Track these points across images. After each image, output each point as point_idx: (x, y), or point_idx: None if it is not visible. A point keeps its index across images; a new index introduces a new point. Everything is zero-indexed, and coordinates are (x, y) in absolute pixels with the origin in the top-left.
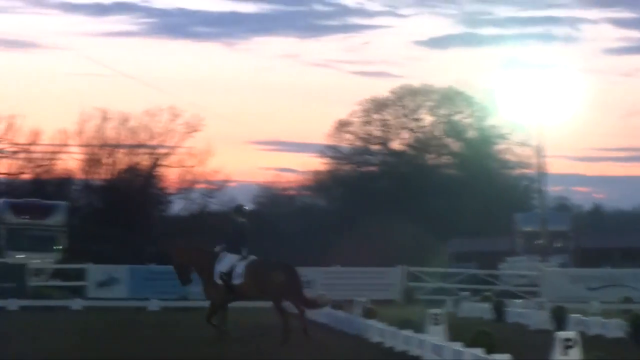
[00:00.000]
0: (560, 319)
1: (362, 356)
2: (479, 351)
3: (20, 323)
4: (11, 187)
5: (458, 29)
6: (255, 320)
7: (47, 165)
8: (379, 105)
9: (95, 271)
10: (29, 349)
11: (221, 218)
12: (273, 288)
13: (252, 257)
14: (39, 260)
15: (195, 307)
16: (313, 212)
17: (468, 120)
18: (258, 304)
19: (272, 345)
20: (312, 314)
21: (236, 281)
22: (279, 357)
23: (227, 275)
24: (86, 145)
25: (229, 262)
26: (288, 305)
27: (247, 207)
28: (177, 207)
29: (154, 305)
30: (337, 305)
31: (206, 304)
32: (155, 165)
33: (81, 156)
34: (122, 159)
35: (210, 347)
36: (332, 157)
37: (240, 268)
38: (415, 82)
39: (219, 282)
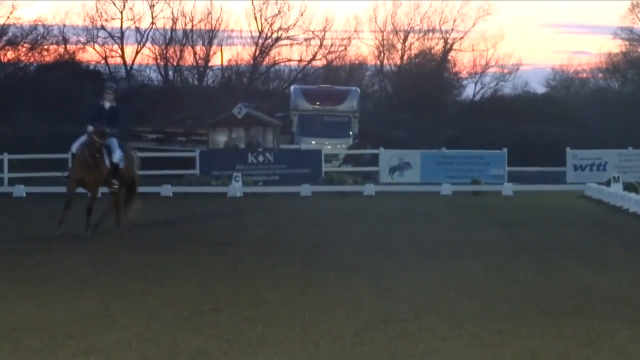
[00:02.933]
0: None
1: None
2: None
3: (315, 208)
4: (304, 74)
5: None
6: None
7: (339, 51)
8: None
9: (388, 156)
10: (325, 233)
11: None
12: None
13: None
14: (330, 147)
15: (487, 191)
16: (606, 94)
17: None
18: None
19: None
20: (605, 197)
21: (121, 165)
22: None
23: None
24: (379, 31)
25: (116, 148)
26: None
27: (115, 86)
28: (470, 91)
29: (446, 189)
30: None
31: (498, 187)
32: (447, 49)
33: (374, 42)
34: (415, 44)
35: (501, 229)
36: (626, 39)
37: (119, 153)
38: None
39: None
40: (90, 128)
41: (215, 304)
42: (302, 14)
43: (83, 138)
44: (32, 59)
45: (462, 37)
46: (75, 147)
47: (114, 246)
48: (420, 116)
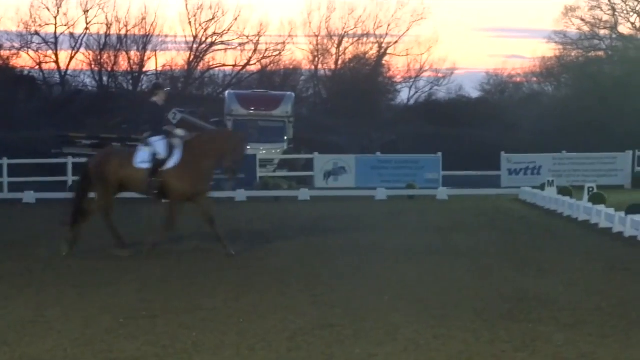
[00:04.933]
0: None
1: (590, 241)
2: None
3: (250, 214)
4: (238, 79)
5: None
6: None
7: (274, 56)
8: None
9: (323, 161)
10: (260, 239)
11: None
12: None
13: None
14: (264, 152)
15: (422, 196)
16: (541, 98)
17: None
18: None
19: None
20: (539, 200)
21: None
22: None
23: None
24: (313, 36)
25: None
26: None
27: (165, 86)
28: (404, 95)
29: (381, 194)
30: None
31: (433, 192)
32: (382, 54)
33: (308, 46)
34: (349, 49)
35: (436, 233)
36: (559, 43)
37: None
38: None
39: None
40: (181, 132)
41: (150, 310)
42: (236, 19)
43: (162, 143)
44: None
45: (396, 42)
46: (148, 156)
47: (49, 253)
48: (354, 121)
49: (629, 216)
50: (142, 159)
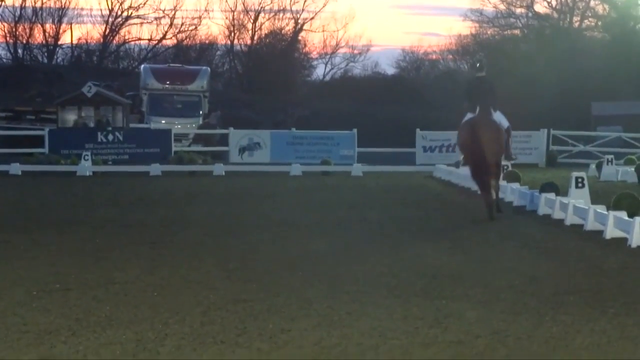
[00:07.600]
0: None
1: (504, 219)
2: (622, 214)
3: (164, 188)
4: (154, 53)
5: None
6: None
7: (190, 30)
8: None
9: (238, 136)
10: (174, 213)
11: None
12: None
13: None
14: (179, 126)
15: (336, 172)
16: (456, 76)
17: None
18: None
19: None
20: (453, 178)
21: None
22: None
23: None
24: (229, 11)
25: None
26: None
27: (483, 61)
28: (320, 71)
29: (296, 169)
30: None
31: (347, 168)
32: (298, 30)
33: (224, 21)
34: (265, 24)
35: (351, 209)
36: (475, 21)
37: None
38: None
39: None
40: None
41: (63, 283)
42: None
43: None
44: None
45: (312, 18)
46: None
47: None
48: (270, 96)
49: (543, 194)
50: None
